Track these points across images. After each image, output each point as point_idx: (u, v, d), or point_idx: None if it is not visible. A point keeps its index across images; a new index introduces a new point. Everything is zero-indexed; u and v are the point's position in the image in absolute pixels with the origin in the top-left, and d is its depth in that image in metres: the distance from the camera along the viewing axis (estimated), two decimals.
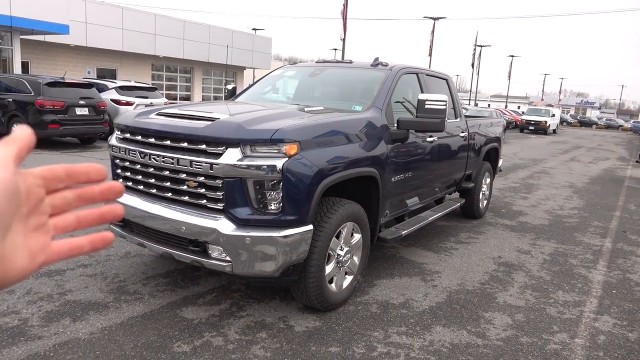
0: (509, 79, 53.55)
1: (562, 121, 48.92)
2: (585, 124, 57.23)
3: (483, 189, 6.47)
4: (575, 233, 6.15)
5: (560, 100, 79.72)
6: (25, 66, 20.40)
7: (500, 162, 7.28)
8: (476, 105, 48.86)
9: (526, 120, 30.42)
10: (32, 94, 10.24)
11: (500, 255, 5.05)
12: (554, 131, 32.95)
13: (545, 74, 73.12)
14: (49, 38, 20.46)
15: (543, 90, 77.57)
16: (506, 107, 48.33)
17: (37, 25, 16.34)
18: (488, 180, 6.69)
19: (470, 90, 51.98)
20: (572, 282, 4.39)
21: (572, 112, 76.53)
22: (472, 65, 42.89)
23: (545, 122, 29.68)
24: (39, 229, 0.45)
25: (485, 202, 6.66)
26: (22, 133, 0.44)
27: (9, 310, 3.20)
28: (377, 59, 4.71)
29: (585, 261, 5.03)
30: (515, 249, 5.29)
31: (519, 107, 56.33)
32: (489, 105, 56.18)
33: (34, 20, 16.04)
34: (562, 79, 77.04)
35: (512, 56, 53.09)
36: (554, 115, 31.97)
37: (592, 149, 21.06)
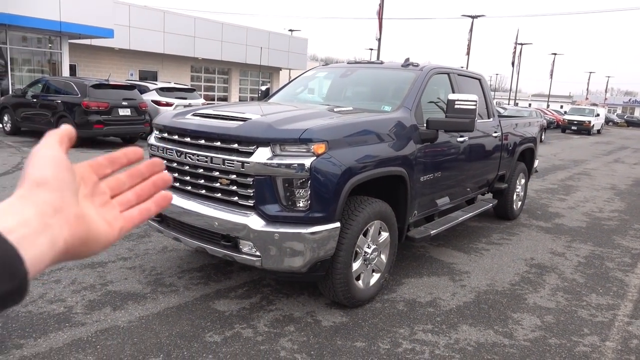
0: (551, 77, 51.85)
1: (608, 121, 46.93)
2: (633, 123, 54.60)
3: (517, 190, 6.36)
4: (614, 236, 5.96)
5: (606, 99, 76.54)
6: (72, 69, 21.39)
7: (536, 162, 7.12)
8: (516, 104, 47.61)
9: (568, 120, 29.39)
10: (79, 95, 10.77)
11: (533, 257, 4.97)
12: (599, 131, 31.69)
13: (590, 72, 70.29)
14: (95, 42, 21.37)
15: (588, 89, 74.65)
16: (548, 106, 46.85)
17: (84, 30, 17.12)
18: (523, 181, 6.57)
19: (510, 90, 50.67)
20: (607, 286, 4.28)
21: (619, 111, 73.25)
22: (512, 63, 41.78)
23: (589, 122, 28.59)
24: (105, 205, 0.54)
25: (519, 203, 6.55)
26: (63, 127, 0.53)
27: (56, 298, 3.43)
28: (407, 59, 4.74)
29: (623, 264, 4.88)
30: (549, 251, 5.19)
31: (561, 107, 54.39)
32: (529, 105, 54.62)
33: (81, 25, 16.82)
34: (609, 77, 74.16)
35: (555, 54, 51.42)
36: (598, 115, 30.74)
37: (639, 150, 20.15)
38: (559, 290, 4.11)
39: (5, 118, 12.71)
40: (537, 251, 5.17)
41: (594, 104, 44.15)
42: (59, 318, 3.16)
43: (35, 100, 11.61)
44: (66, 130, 0.52)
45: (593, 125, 28.98)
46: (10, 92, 15.19)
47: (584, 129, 28.66)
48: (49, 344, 2.85)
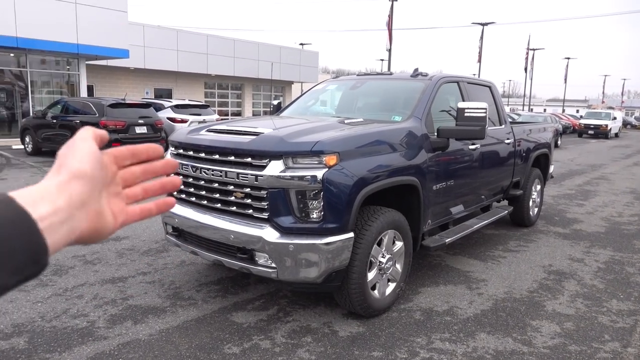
0: (565, 82, 51.33)
1: (626, 124, 46.17)
2: None
3: (533, 196, 6.31)
4: (635, 240, 5.86)
5: (623, 102, 75.35)
6: (90, 89, 21.91)
7: (552, 168, 7.07)
8: (530, 110, 47.17)
9: (585, 124, 29.03)
10: (97, 115, 11.05)
11: (551, 263, 4.92)
12: (616, 135, 31.20)
13: (605, 76, 69.45)
14: (111, 62, 21.89)
15: (603, 92, 73.64)
16: (563, 111, 46.33)
17: (101, 51, 17.58)
18: (538, 187, 6.52)
19: (524, 95, 50.30)
20: (628, 291, 4.22)
21: (636, 114, 71.99)
22: (525, 69, 41.55)
23: (606, 125, 28.20)
24: (117, 196, 0.57)
25: (535, 209, 6.49)
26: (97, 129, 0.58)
27: (79, 313, 3.52)
28: (416, 69, 4.79)
29: None
30: (568, 257, 5.13)
31: (577, 111, 53.77)
32: (544, 110, 54.04)
33: (98, 47, 17.27)
34: (625, 79, 72.90)
35: (568, 58, 50.94)
36: (615, 118, 30.31)
37: None
38: (578, 297, 4.06)
39: (27, 139, 13.06)
40: (556, 257, 5.12)
41: (611, 107, 43.52)
42: (82, 332, 3.24)
43: (55, 121, 11.93)
44: (101, 131, 0.56)
45: (610, 128, 28.56)
46: (31, 114, 15.62)
47: (601, 133, 28.27)
48: (73, 357, 2.92)
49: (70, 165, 0.50)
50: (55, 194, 0.48)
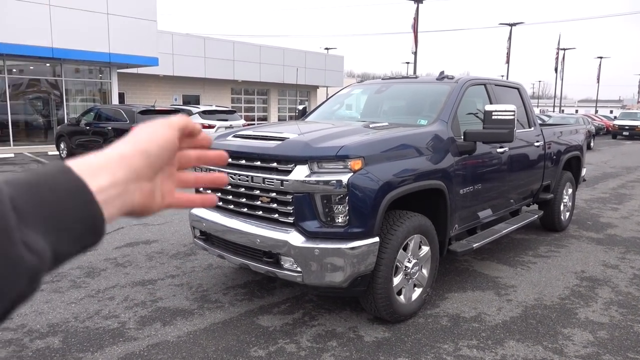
0: (598, 82, 49.88)
1: None
2: None
3: (564, 200, 6.15)
4: None
5: None
6: (121, 97, 22.55)
7: (584, 171, 6.87)
8: (562, 111, 46.00)
9: (619, 125, 28.08)
10: (128, 121, 11.35)
11: (584, 269, 4.78)
12: None
13: None
14: (141, 70, 22.47)
15: (639, 92, 71.14)
16: (596, 112, 44.98)
17: (131, 60, 18.07)
18: (570, 190, 6.35)
19: (555, 96, 49.08)
20: None
21: None
22: (556, 69, 40.57)
23: None
24: (170, 177, 0.57)
25: (567, 214, 6.32)
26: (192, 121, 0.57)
27: (110, 315, 3.61)
28: (442, 72, 4.74)
29: None
30: (601, 263, 4.97)
31: (611, 112, 52.10)
32: (576, 111, 52.61)
33: (129, 55, 17.77)
34: None
35: (601, 57, 49.50)
36: None
37: None
38: (612, 304, 3.93)
39: (62, 145, 13.53)
40: (588, 264, 4.97)
41: None
42: (113, 333, 3.32)
43: (88, 127, 12.32)
44: (195, 125, 0.56)
45: None
46: (66, 121, 16.17)
47: (636, 134, 27.27)
48: (104, 357, 3.01)
49: (140, 142, 0.51)
50: (116, 165, 0.48)
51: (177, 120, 0.55)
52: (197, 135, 0.59)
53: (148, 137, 0.52)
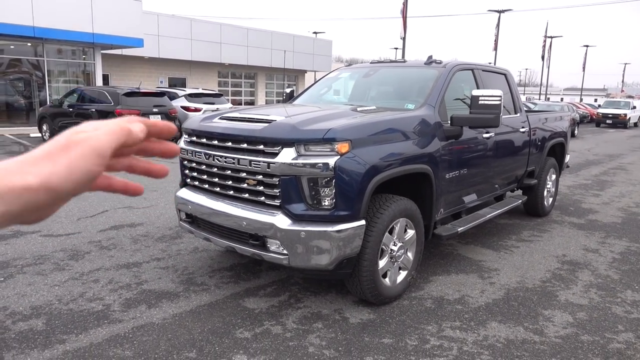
0: (584, 70, 50.36)
1: None
2: None
3: (548, 186, 6.24)
4: None
5: None
6: (105, 78, 22.13)
7: (568, 157, 6.97)
8: (547, 99, 46.39)
9: (603, 113, 28.46)
10: (112, 103, 11.16)
11: (565, 253, 4.87)
12: (635, 124, 30.54)
13: (625, 64, 67.86)
14: (126, 51, 22.04)
15: (623, 81, 72.06)
16: (581, 100, 45.49)
17: (116, 41, 17.71)
18: (553, 176, 6.44)
19: (541, 84, 49.47)
20: None
21: None
22: (542, 57, 40.79)
23: (625, 115, 27.61)
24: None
25: (550, 199, 6.42)
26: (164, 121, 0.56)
27: (95, 297, 3.59)
28: (430, 57, 4.73)
29: None
30: (582, 248, 5.08)
31: (595, 100, 52.72)
32: (561, 99, 53.11)
33: (113, 36, 17.41)
34: None
35: (587, 46, 49.92)
36: (634, 107, 29.65)
37: None
38: (592, 287, 4.03)
39: (44, 127, 13.27)
40: (570, 248, 5.06)
41: (630, 97, 42.58)
42: (98, 315, 3.31)
43: (71, 109, 12.09)
44: (137, 129, 0.52)
45: (629, 118, 27.99)
46: (48, 102, 15.85)
47: (619, 123, 27.71)
48: (89, 339, 3.00)
49: (54, 173, 0.45)
50: (14, 198, 0.44)
51: (111, 141, 0.49)
52: (140, 143, 0.54)
53: (66, 170, 0.46)
